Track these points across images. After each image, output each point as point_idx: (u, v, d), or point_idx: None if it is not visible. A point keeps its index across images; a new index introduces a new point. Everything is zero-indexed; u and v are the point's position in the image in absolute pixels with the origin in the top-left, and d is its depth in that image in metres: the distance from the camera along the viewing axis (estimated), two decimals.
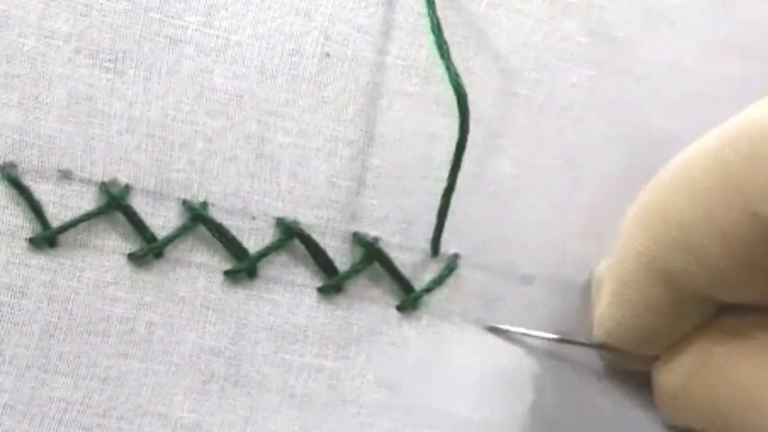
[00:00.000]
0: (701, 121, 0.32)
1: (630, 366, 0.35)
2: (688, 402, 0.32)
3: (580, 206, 0.35)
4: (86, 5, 0.29)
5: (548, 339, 0.34)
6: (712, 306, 0.32)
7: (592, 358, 0.35)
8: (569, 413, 0.35)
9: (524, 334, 0.34)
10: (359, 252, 0.32)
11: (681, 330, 0.32)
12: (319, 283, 0.32)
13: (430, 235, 0.33)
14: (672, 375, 0.33)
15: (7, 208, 0.29)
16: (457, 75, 0.30)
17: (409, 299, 0.33)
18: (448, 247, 0.33)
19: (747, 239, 0.29)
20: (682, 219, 0.30)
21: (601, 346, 0.34)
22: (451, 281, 0.33)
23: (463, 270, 0.33)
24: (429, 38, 0.31)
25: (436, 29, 0.30)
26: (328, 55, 0.31)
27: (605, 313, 0.33)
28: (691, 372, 0.32)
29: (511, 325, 0.34)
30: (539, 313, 0.35)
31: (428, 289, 0.33)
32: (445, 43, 0.30)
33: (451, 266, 0.33)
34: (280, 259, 0.32)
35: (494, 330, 0.34)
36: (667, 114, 0.35)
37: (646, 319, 0.32)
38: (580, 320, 0.35)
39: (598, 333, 0.34)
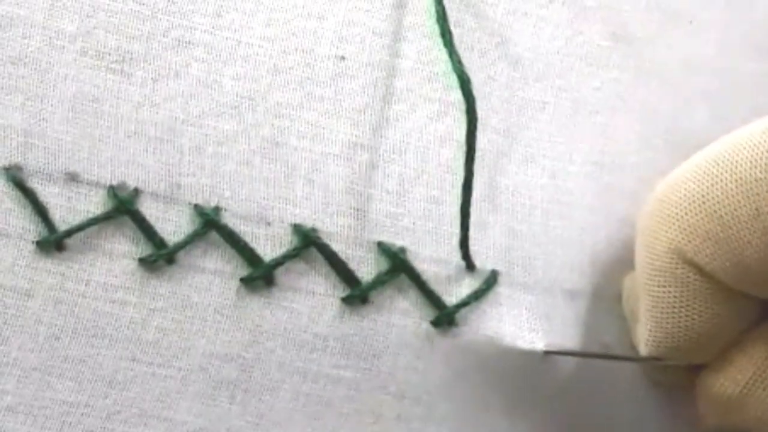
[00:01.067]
0: (721, 119, 0.32)
1: (675, 379, 0.33)
2: (746, 409, 0.31)
3: (616, 212, 0.34)
4: (92, 6, 0.29)
5: (601, 357, 0.33)
6: (759, 304, 0.31)
7: (624, 371, 0.33)
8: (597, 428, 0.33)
9: (577, 354, 0.33)
10: (385, 262, 0.31)
11: (729, 332, 0.31)
12: (341, 293, 0.31)
13: (459, 247, 0.31)
14: (726, 382, 0.32)
15: (14, 210, 0.29)
16: (460, 62, 0.29)
17: (443, 314, 0.31)
18: (485, 262, 0.32)
19: None
20: (724, 211, 0.29)
21: (651, 359, 0.32)
22: (489, 298, 0.32)
23: (501, 288, 0.32)
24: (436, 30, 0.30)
25: (441, 17, 0.29)
26: (343, 58, 0.30)
27: (648, 324, 0.32)
28: (750, 378, 0.31)
29: (557, 340, 0.33)
30: (584, 327, 0.33)
31: (463, 305, 0.32)
32: (450, 32, 0.29)
33: (489, 283, 0.32)
34: (298, 267, 0.31)
35: (549, 353, 0.32)
36: (687, 112, 0.34)
37: (689, 320, 0.31)
38: (622, 330, 0.34)
39: (645, 347, 0.32)
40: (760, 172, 0.28)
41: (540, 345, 0.32)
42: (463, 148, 0.30)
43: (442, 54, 0.30)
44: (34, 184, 0.29)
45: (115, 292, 0.30)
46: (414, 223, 0.31)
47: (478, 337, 0.32)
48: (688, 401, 0.33)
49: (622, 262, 0.33)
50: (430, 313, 0.32)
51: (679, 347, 0.32)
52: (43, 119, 0.29)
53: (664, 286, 0.31)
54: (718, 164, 0.29)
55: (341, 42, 0.30)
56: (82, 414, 0.29)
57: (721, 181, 0.29)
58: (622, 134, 0.33)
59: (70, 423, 0.29)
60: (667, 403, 0.34)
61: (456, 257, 0.32)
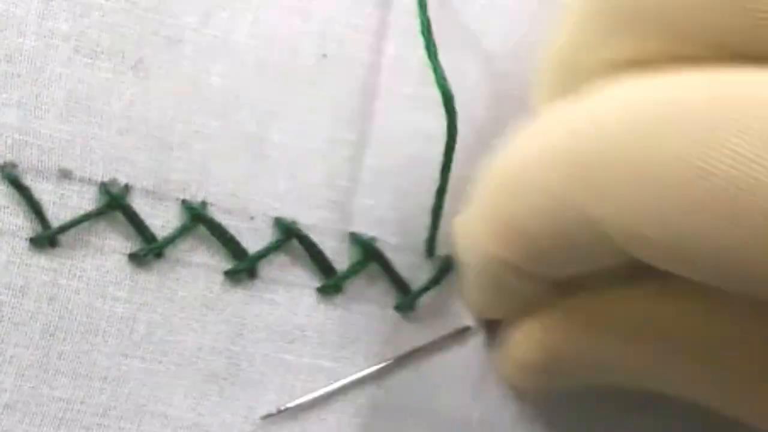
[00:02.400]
0: None
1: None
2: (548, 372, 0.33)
3: None
4: (85, 5, 0.29)
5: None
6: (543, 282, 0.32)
7: None
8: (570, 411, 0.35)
9: None
10: (357, 252, 0.32)
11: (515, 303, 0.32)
12: (317, 284, 0.32)
13: (423, 235, 0.33)
14: (525, 347, 0.33)
15: (7, 207, 0.29)
16: (444, 78, 0.30)
17: (405, 300, 0.33)
18: (444, 248, 0.33)
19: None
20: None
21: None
22: (447, 282, 0.34)
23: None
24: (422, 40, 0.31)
25: (426, 30, 0.31)
26: (325, 55, 0.32)
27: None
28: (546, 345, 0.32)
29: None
30: None
31: (424, 290, 0.33)
32: (434, 45, 0.31)
33: (445, 267, 0.33)
34: (279, 259, 0.32)
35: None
36: None
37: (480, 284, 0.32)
38: None
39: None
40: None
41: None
42: (436, 142, 0.32)
43: (420, 51, 0.32)
44: (28, 181, 0.29)
45: (106, 288, 0.30)
46: (385, 214, 0.33)
47: (438, 321, 0.33)
48: None
49: None
50: (396, 299, 0.33)
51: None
52: (38, 117, 0.29)
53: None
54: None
55: (323, 40, 0.32)
56: (78, 410, 0.30)
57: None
58: None
59: (68, 420, 0.29)
60: None
61: (421, 245, 0.33)
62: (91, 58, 0.29)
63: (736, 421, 0.31)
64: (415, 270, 0.33)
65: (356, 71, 0.32)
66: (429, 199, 0.33)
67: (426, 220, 0.33)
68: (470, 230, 0.31)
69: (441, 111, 0.32)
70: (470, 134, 0.33)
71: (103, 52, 0.29)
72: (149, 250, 0.30)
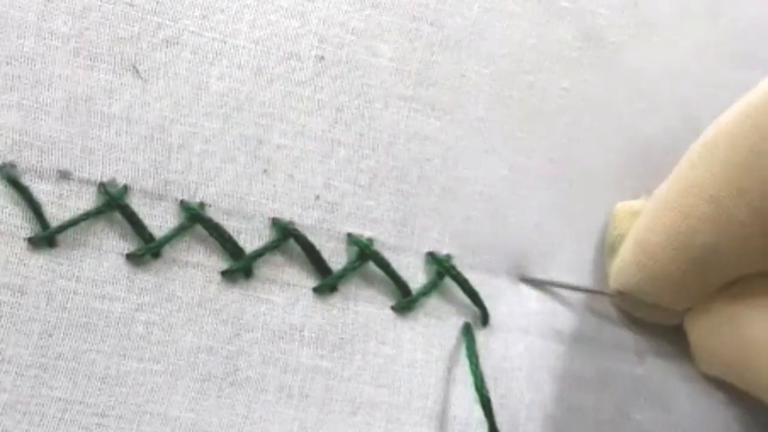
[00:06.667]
0: (693, 126, 0.33)
1: (649, 318, 0.36)
2: (713, 354, 0.35)
3: (574, 209, 0.35)
4: (84, 7, 0.29)
5: (573, 289, 0.35)
6: (737, 271, 0.33)
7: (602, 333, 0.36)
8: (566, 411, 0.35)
9: (554, 284, 0.35)
10: (354, 252, 0.33)
11: (706, 289, 0.34)
12: (314, 283, 0.32)
13: (425, 236, 0.33)
14: (700, 328, 0.35)
15: (6, 207, 0.29)
16: (482, 380, 0.33)
17: (405, 301, 0.33)
18: (442, 247, 0.34)
19: None
20: (714, 193, 0.31)
21: (620, 295, 0.35)
22: (446, 282, 0.34)
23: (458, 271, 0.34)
24: None
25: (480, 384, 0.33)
26: (322, 57, 0.32)
27: (629, 267, 0.34)
28: (714, 327, 0.34)
29: (498, 320, 0.35)
30: (531, 310, 0.35)
31: (424, 293, 0.33)
32: (476, 355, 0.33)
33: (445, 268, 0.34)
34: (276, 259, 0.32)
35: (526, 280, 0.35)
36: (658, 118, 0.36)
37: (670, 282, 0.33)
38: (570, 319, 0.36)
39: (618, 283, 0.35)
40: (737, 155, 0.31)
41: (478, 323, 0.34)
42: (434, 143, 0.33)
43: (417, 53, 0.32)
44: (28, 181, 0.29)
45: (104, 288, 0.30)
46: (383, 215, 0.33)
47: (437, 321, 0.34)
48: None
49: (578, 256, 0.35)
50: (393, 299, 0.33)
51: (653, 294, 0.34)
52: (37, 118, 0.29)
53: (652, 255, 0.33)
54: (705, 149, 0.32)
55: (321, 42, 0.32)
56: (77, 411, 0.30)
57: (709, 166, 0.32)
58: (586, 135, 0.35)
59: (67, 420, 0.29)
60: None
61: (418, 245, 0.33)
62: (91, 60, 0.29)
63: None
64: (414, 270, 0.33)
65: (353, 73, 0.32)
66: (427, 200, 0.33)
67: (424, 221, 0.33)
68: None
69: (438, 113, 0.33)
70: (469, 134, 0.33)
71: (102, 54, 0.30)
72: (147, 250, 0.30)
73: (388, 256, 0.33)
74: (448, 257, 0.34)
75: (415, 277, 0.33)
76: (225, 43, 0.31)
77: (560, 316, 0.35)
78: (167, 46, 0.30)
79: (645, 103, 0.36)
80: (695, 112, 0.36)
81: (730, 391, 0.35)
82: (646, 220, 0.34)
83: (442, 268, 0.33)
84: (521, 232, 0.35)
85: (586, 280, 0.36)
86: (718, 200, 0.31)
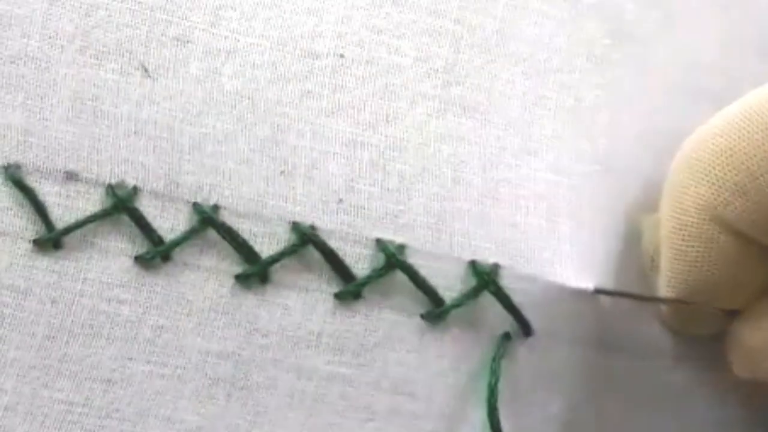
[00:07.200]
0: None
1: (700, 329, 0.34)
2: (759, 353, 0.32)
3: (621, 210, 0.34)
4: (91, 5, 0.29)
5: (640, 299, 0.34)
6: None
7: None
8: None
9: (624, 294, 0.33)
10: (381, 259, 0.31)
11: (755, 284, 0.32)
12: (335, 289, 0.31)
13: (463, 242, 0.32)
14: (752, 332, 0.33)
15: (11, 209, 0.29)
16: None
17: (436, 312, 0.32)
18: (488, 255, 0.32)
19: None
20: (753, 163, 0.30)
21: (679, 302, 0.33)
22: (485, 294, 0.32)
23: (503, 281, 0.32)
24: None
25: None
26: (342, 56, 0.30)
27: (669, 275, 0.32)
28: (763, 325, 0.32)
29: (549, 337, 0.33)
30: (583, 322, 0.33)
31: (457, 304, 0.32)
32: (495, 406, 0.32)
33: (487, 278, 0.32)
34: (294, 264, 0.31)
35: (600, 292, 0.33)
36: (691, 112, 0.34)
37: (711, 275, 0.32)
38: (622, 328, 0.34)
39: (669, 293, 0.33)
40: None
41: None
42: (464, 143, 0.31)
43: (443, 52, 0.30)
44: (33, 182, 0.29)
45: (111, 290, 0.30)
46: (414, 220, 0.32)
47: (470, 332, 0.32)
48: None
49: (630, 261, 0.34)
50: (423, 308, 0.32)
51: (699, 295, 0.32)
52: (43, 118, 0.29)
53: (689, 242, 0.31)
54: (746, 117, 0.30)
55: (340, 39, 0.30)
56: (80, 413, 0.29)
57: (749, 133, 0.30)
58: (624, 133, 0.34)
59: (69, 422, 0.29)
60: None
61: (457, 252, 0.32)
62: (97, 59, 0.29)
63: None
64: (451, 279, 0.32)
65: (375, 72, 0.31)
66: (464, 204, 0.32)
67: (462, 226, 0.32)
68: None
69: (470, 113, 0.32)
70: (508, 137, 0.32)
71: (109, 53, 0.29)
72: (156, 253, 0.30)
73: (423, 262, 0.31)
74: (496, 266, 0.32)
75: (454, 285, 0.32)
76: (238, 41, 0.30)
77: (603, 323, 0.34)
78: (177, 45, 0.29)
79: (677, 97, 0.35)
80: (721, 105, 0.34)
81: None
82: (668, 204, 0.32)
83: (481, 281, 0.32)
84: (572, 240, 0.33)
85: (634, 287, 0.34)
86: (760, 173, 0.30)
